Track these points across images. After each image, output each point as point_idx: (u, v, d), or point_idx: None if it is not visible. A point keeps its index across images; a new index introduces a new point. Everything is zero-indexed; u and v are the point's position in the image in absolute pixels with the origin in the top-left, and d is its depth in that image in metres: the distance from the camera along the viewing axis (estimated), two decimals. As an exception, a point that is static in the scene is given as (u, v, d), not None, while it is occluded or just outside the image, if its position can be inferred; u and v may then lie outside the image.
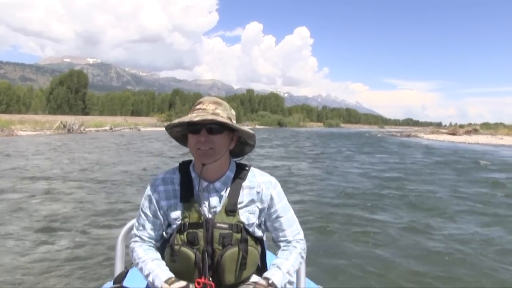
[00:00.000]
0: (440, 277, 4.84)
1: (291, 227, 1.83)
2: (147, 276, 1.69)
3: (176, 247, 1.67)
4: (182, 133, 1.76)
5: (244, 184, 1.75)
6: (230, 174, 1.76)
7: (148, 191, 1.79)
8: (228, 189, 1.73)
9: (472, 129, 79.92)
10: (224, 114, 1.67)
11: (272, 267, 1.74)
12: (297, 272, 1.98)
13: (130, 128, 59.93)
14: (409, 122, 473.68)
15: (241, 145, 1.82)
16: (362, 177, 13.89)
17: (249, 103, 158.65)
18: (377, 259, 5.42)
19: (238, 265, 1.68)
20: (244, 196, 1.73)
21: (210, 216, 1.68)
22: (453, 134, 71.56)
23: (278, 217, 1.80)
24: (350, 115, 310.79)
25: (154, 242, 1.80)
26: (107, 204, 8.46)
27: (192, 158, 1.79)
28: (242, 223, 1.70)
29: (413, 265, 5.23)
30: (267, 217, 1.80)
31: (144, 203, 1.79)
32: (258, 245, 1.78)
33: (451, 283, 4.74)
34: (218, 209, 1.69)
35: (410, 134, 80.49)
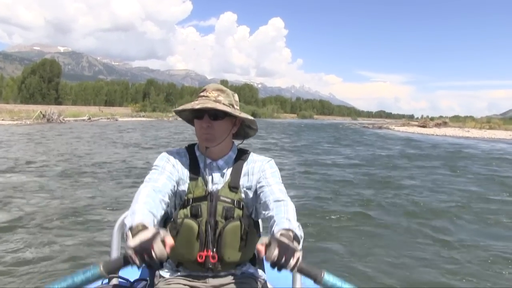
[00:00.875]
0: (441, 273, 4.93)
1: (282, 194, 1.73)
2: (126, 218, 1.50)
3: (179, 220, 1.70)
4: (190, 117, 1.86)
5: (244, 165, 1.83)
6: (232, 155, 1.84)
7: (164, 156, 1.81)
8: (230, 168, 1.81)
9: (442, 122, 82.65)
10: (226, 101, 1.75)
11: (282, 219, 1.53)
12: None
13: (108, 118, 59.88)
14: (381, 114, 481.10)
15: (245, 128, 1.92)
16: (331, 166, 15.11)
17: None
18: (369, 255, 5.48)
19: (239, 241, 1.71)
20: (244, 175, 1.81)
21: (214, 189, 1.75)
22: (423, 126, 74.10)
23: (269, 184, 1.77)
24: (324, 106, 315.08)
25: (161, 196, 1.62)
26: (103, 194, 8.49)
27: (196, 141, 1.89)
28: (243, 200, 1.77)
29: (404, 260, 5.32)
30: (260, 189, 1.79)
31: (160, 162, 1.77)
32: (256, 229, 1.82)
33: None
34: (221, 185, 1.76)
35: (382, 126, 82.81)
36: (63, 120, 46.38)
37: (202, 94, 1.77)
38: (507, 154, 23.17)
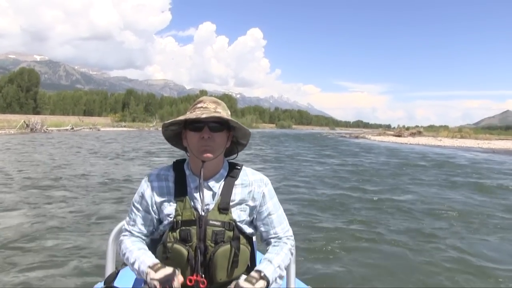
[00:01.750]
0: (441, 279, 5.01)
1: (281, 224, 1.86)
2: (133, 264, 1.69)
3: (169, 244, 1.68)
4: (176, 132, 1.81)
5: (237, 182, 1.78)
6: (224, 172, 1.79)
7: (142, 186, 1.82)
8: (221, 187, 1.75)
9: (417, 131, 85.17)
10: (224, 113, 1.72)
11: (264, 261, 1.75)
12: (287, 273, 2.00)
13: (90, 128, 60.40)
14: (359, 124, 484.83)
15: (232, 144, 1.86)
16: (312, 177, 16.38)
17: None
18: (363, 259, 5.59)
19: (230, 263, 1.70)
20: (236, 194, 1.76)
21: (203, 213, 1.69)
22: (399, 135, 76.62)
23: (269, 214, 1.82)
24: (302, 116, 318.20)
25: (143, 237, 1.82)
26: (98, 206, 8.48)
27: (185, 157, 1.87)
28: (234, 221, 1.73)
29: (400, 264, 5.47)
30: (258, 215, 1.82)
31: (137, 198, 1.81)
32: (248, 245, 1.80)
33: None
34: (211, 206, 1.71)
35: (359, 135, 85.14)
36: (47, 130, 46.78)
37: (199, 105, 1.74)
38: (465, 161, 25.47)
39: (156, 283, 1.51)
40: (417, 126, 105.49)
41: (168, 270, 1.56)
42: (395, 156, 28.48)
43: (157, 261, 1.65)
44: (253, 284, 1.59)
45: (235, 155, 1.92)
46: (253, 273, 1.66)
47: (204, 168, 1.71)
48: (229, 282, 1.76)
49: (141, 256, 1.68)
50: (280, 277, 1.75)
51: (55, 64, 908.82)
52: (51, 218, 7.17)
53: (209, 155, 1.68)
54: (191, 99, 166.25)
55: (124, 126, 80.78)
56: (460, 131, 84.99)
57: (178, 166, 1.82)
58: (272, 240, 1.85)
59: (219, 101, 1.78)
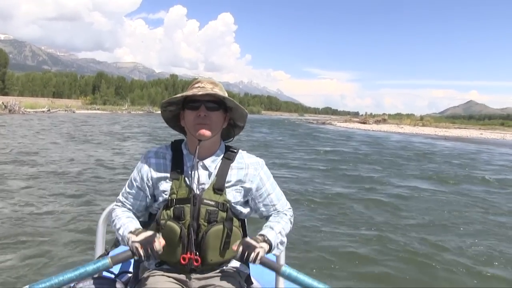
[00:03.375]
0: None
1: (280, 201, 1.90)
2: (118, 230, 1.73)
3: (162, 221, 1.69)
4: (174, 113, 1.83)
5: (233, 164, 1.79)
6: (220, 153, 1.80)
7: (140, 162, 1.85)
8: (217, 167, 1.77)
9: (382, 119, 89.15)
10: (221, 93, 1.71)
11: (265, 228, 1.78)
12: (277, 259, 1.99)
13: (65, 110, 61.06)
14: (328, 111, 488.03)
15: (229, 127, 1.87)
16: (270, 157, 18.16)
17: (172, 88, 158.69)
18: (348, 248, 5.61)
19: (222, 243, 1.71)
20: (232, 176, 1.78)
21: (198, 192, 1.71)
22: (364, 123, 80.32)
23: (268, 194, 1.85)
24: (271, 102, 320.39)
25: (135, 212, 1.86)
26: (88, 187, 8.48)
27: (183, 137, 1.89)
28: (229, 202, 1.74)
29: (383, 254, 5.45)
30: (258, 197, 1.84)
31: (135, 173, 1.84)
32: (241, 228, 1.81)
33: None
34: (206, 186, 1.73)
35: (325, 122, 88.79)
36: (25, 111, 47.20)
37: (196, 85, 1.75)
38: (413, 145, 29.25)
39: (137, 245, 1.55)
40: (384, 114, 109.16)
41: (148, 232, 1.62)
42: (351, 139, 32.53)
43: (139, 226, 1.72)
44: (258, 242, 1.64)
45: (231, 139, 1.93)
46: (257, 236, 1.70)
47: (200, 147, 1.71)
48: (220, 265, 1.78)
49: (127, 223, 1.73)
50: (282, 243, 1.79)
51: (21, 44, 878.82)
52: (41, 200, 7.19)
53: (205, 132, 1.69)
54: (162, 83, 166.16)
55: (98, 109, 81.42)
56: (422, 120, 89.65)
57: (176, 146, 1.84)
58: (273, 213, 1.89)
59: (217, 82, 1.80)
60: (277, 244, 1.76)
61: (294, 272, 1.57)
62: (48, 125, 29.30)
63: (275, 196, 1.88)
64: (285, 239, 1.82)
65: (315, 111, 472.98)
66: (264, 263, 1.62)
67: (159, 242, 1.57)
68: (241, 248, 1.60)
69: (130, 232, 1.66)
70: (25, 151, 13.71)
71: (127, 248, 1.63)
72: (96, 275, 1.88)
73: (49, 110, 54.61)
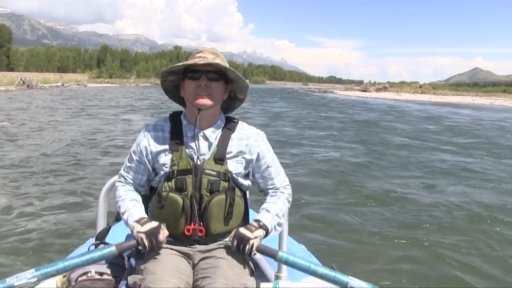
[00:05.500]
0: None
1: (279, 176, 1.90)
2: (123, 214, 1.74)
3: (164, 193, 1.70)
4: (174, 83, 1.81)
5: (233, 135, 1.79)
6: (221, 124, 1.80)
7: (139, 136, 1.84)
8: (218, 138, 1.76)
9: (383, 87, 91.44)
10: (223, 64, 1.70)
11: (262, 211, 1.79)
12: (281, 232, 1.98)
13: (78, 84, 63.18)
14: (332, 80, 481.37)
15: (230, 100, 1.86)
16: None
17: (177, 59, 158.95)
18: (350, 219, 5.62)
19: (224, 214, 1.73)
20: (233, 146, 1.77)
21: (199, 162, 1.71)
22: (364, 91, 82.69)
23: (267, 167, 1.85)
24: (275, 72, 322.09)
25: (137, 186, 1.86)
26: (91, 160, 8.76)
27: (182, 109, 1.87)
28: (230, 172, 1.74)
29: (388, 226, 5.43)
30: (257, 168, 1.85)
31: (134, 147, 1.83)
32: (243, 198, 1.82)
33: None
34: (207, 156, 1.73)
35: (327, 90, 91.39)
36: (42, 86, 49.23)
37: (198, 55, 1.74)
38: (402, 109, 33.04)
39: (143, 236, 1.58)
40: (388, 82, 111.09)
41: (154, 223, 1.63)
42: (345, 105, 35.71)
43: (144, 215, 1.72)
44: (252, 231, 1.65)
45: (231, 112, 1.93)
46: (252, 222, 1.73)
47: (200, 117, 1.71)
48: (224, 235, 1.78)
49: (131, 209, 1.73)
50: (279, 224, 1.81)
51: (19, 17, 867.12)
52: (47, 170, 7.54)
53: (205, 101, 1.68)
54: (166, 55, 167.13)
55: (107, 82, 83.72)
56: (421, 87, 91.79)
57: (175, 117, 1.84)
58: (270, 191, 1.90)
59: (218, 52, 1.79)
60: (274, 227, 1.78)
61: (290, 257, 1.62)
62: (77, 98, 31.38)
63: (274, 170, 1.88)
64: (282, 220, 1.84)
65: (319, 80, 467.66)
66: (261, 251, 1.67)
67: (163, 234, 1.61)
68: (235, 242, 1.63)
69: (135, 221, 1.66)
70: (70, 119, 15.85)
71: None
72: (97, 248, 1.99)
73: (63, 85, 56.27)
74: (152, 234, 1.58)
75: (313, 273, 1.58)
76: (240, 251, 1.63)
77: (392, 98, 59.00)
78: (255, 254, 1.68)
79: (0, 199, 5.78)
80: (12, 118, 16.19)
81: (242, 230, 1.67)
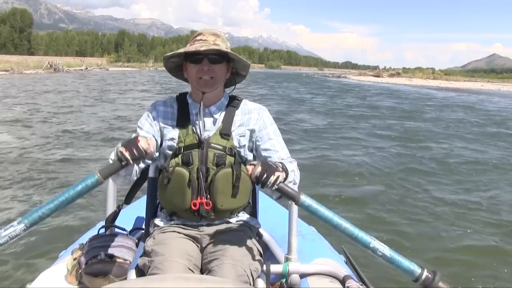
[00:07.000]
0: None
1: (284, 150, 1.83)
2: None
3: (171, 168, 1.71)
4: (177, 63, 1.82)
5: (237, 111, 1.82)
6: (224, 101, 1.83)
7: (148, 110, 1.85)
8: (222, 114, 1.79)
9: (396, 73, 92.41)
10: (223, 45, 1.73)
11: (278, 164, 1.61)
12: (290, 214, 1.94)
13: (100, 68, 65.26)
14: (348, 65, 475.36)
15: (231, 76, 1.87)
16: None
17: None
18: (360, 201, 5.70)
19: (231, 188, 1.72)
20: (236, 121, 1.80)
21: (205, 137, 1.73)
22: (377, 76, 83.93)
23: (269, 138, 1.82)
24: (291, 57, 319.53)
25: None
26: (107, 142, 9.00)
27: (187, 90, 1.89)
28: (235, 147, 1.76)
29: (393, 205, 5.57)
30: (260, 139, 1.82)
31: (142, 120, 1.82)
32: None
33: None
34: (212, 132, 1.75)
35: (340, 75, 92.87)
36: (68, 70, 51.45)
37: (198, 38, 1.74)
38: (408, 93, 35.10)
39: (122, 149, 1.44)
40: (403, 68, 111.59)
41: (133, 135, 1.61)
42: (353, 90, 37.20)
43: None
44: (275, 165, 1.52)
45: (233, 87, 1.92)
46: (276, 162, 1.60)
47: (205, 97, 1.74)
48: (231, 214, 1.81)
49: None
50: (294, 183, 1.71)
51: (36, 1, 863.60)
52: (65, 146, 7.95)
53: (208, 87, 1.72)
54: (182, 39, 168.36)
55: (127, 67, 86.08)
56: (433, 73, 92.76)
57: (181, 97, 1.87)
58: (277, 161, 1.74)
59: (219, 32, 1.78)
60: (293, 180, 1.69)
61: (313, 204, 1.49)
62: (107, 79, 34.04)
63: (277, 142, 1.83)
64: (297, 180, 1.74)
65: (335, 65, 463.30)
66: (282, 190, 1.50)
67: (145, 141, 1.47)
68: (259, 168, 1.45)
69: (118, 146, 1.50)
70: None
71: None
72: (108, 232, 2.01)
73: (86, 69, 58.07)
74: (129, 143, 1.46)
75: (336, 226, 1.49)
76: (263, 180, 1.45)
77: (402, 83, 60.09)
78: (276, 188, 1.48)
79: (22, 168, 6.39)
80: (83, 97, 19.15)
81: (269, 162, 1.57)
